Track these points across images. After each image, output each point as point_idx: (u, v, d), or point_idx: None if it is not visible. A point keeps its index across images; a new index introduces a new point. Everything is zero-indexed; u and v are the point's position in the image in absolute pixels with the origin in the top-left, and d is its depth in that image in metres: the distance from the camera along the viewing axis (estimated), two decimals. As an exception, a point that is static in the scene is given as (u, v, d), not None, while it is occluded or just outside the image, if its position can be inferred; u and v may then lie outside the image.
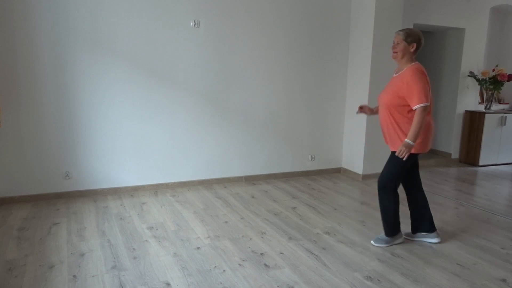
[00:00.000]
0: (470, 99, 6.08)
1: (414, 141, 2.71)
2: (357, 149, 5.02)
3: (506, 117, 5.91)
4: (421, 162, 5.84)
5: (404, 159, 2.74)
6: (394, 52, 2.88)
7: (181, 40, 4.20)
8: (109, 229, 3.26)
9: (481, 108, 6.10)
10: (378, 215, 3.73)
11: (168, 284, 2.45)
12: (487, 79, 5.82)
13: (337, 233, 3.28)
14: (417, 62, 2.89)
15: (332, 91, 5.09)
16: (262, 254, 2.88)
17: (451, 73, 6.05)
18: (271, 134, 4.83)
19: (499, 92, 6.19)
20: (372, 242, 3.09)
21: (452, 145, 6.10)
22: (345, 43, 5.05)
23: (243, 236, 3.19)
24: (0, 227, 3.26)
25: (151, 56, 4.11)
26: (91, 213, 3.61)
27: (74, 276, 2.52)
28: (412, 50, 2.84)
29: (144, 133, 4.22)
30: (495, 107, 6.23)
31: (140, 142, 4.22)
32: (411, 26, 5.37)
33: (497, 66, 5.98)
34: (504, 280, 2.58)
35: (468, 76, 5.93)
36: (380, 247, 3.04)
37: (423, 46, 2.84)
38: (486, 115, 5.77)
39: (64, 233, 3.17)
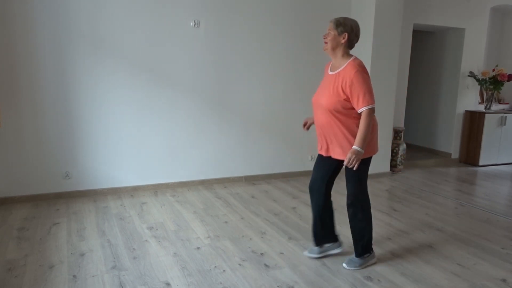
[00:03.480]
0: (470, 99, 6.08)
1: (363, 147, 2.38)
2: (357, 149, 5.01)
3: (506, 117, 5.91)
4: (421, 162, 5.84)
5: (354, 168, 2.41)
6: (325, 43, 2.53)
7: (181, 40, 4.20)
8: (109, 229, 3.26)
9: (481, 108, 6.10)
10: (378, 215, 3.74)
11: (168, 284, 2.45)
12: (487, 79, 5.82)
13: (337, 233, 3.28)
14: (355, 57, 2.53)
15: (332, 91, 5.08)
16: (262, 254, 2.88)
17: (451, 73, 6.05)
18: (271, 134, 4.83)
19: (499, 92, 6.19)
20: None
21: (452, 145, 6.09)
22: (345, 43, 5.04)
23: (243, 236, 3.19)
24: (0, 227, 3.26)
25: (151, 56, 4.11)
26: (91, 213, 3.61)
27: (74, 276, 2.52)
28: (343, 41, 2.47)
29: (144, 133, 4.22)
30: (495, 107, 6.23)
31: (140, 142, 4.22)
32: (411, 26, 5.37)
33: (497, 66, 5.99)
34: (504, 280, 2.58)
35: (468, 76, 5.93)
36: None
37: (358, 38, 2.54)
38: (486, 115, 5.78)
39: (64, 233, 3.17)
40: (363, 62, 2.53)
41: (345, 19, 2.50)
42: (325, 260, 2.80)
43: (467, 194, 4.51)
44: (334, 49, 2.51)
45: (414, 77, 6.58)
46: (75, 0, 3.75)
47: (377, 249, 3.00)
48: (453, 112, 6.05)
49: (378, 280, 2.55)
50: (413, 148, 6.60)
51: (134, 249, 2.91)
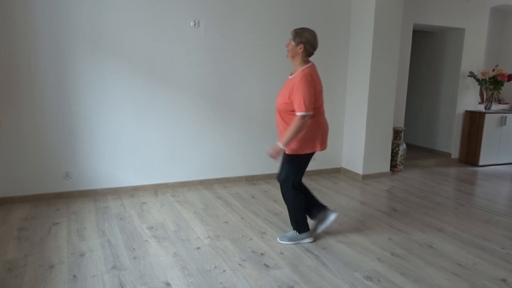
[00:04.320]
0: (470, 99, 6.08)
1: (284, 144, 2.73)
2: (357, 149, 5.02)
3: (506, 117, 5.91)
4: (421, 162, 5.84)
5: (274, 160, 2.84)
6: (288, 51, 2.84)
7: (181, 40, 4.20)
8: (109, 229, 3.26)
9: (481, 108, 6.10)
10: (378, 215, 3.74)
11: (168, 284, 2.45)
12: (487, 79, 5.82)
13: (337, 233, 3.28)
14: (310, 64, 2.81)
15: (332, 91, 5.09)
16: (262, 254, 2.88)
17: (451, 73, 6.05)
18: (271, 134, 4.82)
19: (499, 92, 6.19)
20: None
21: (452, 145, 6.09)
22: (345, 43, 5.05)
23: (243, 236, 3.19)
24: (0, 227, 3.26)
25: (151, 56, 4.11)
26: (91, 213, 3.61)
27: (74, 276, 2.52)
28: (300, 51, 2.76)
29: (144, 133, 4.22)
30: (495, 107, 6.23)
31: (140, 142, 4.22)
32: (411, 26, 5.37)
33: (497, 66, 5.99)
34: (504, 280, 2.58)
35: (468, 76, 5.93)
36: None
37: (315, 48, 2.81)
38: (486, 115, 5.78)
39: (64, 233, 3.17)
40: (312, 70, 2.79)
41: (302, 30, 2.78)
42: (325, 260, 2.80)
43: (467, 194, 4.51)
44: (293, 57, 2.83)
45: (414, 77, 6.58)
46: (75, 0, 3.75)
47: (377, 249, 3.00)
48: (453, 112, 6.05)
49: (378, 280, 2.55)
50: (413, 148, 6.60)
51: (134, 249, 2.91)
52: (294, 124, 2.69)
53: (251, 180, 4.80)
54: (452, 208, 4.01)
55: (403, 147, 5.33)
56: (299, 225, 3.06)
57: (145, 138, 4.23)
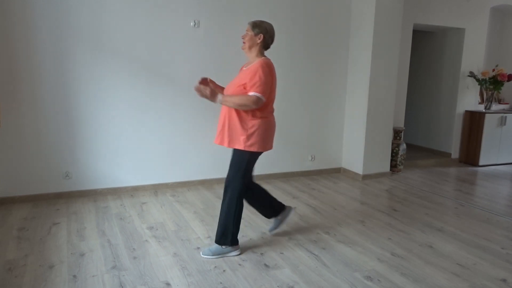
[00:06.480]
0: (470, 99, 6.08)
1: (222, 101, 2.65)
2: (357, 149, 5.02)
3: (506, 117, 5.91)
4: (421, 162, 5.84)
5: (199, 95, 2.65)
6: (243, 42, 2.79)
7: (181, 40, 4.20)
8: (109, 229, 3.26)
9: (481, 108, 6.10)
10: (378, 215, 3.74)
11: (168, 284, 2.45)
12: (487, 79, 5.82)
13: (337, 233, 3.28)
14: (267, 57, 2.77)
15: (332, 91, 5.09)
16: (262, 254, 2.88)
17: (451, 73, 6.05)
18: (271, 134, 4.82)
19: (499, 92, 6.19)
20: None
21: (452, 145, 6.10)
22: (345, 43, 5.05)
23: (243, 236, 3.18)
24: (0, 227, 3.26)
25: (151, 56, 4.11)
26: (91, 213, 3.61)
27: (74, 276, 2.52)
28: (259, 41, 2.73)
29: (144, 132, 4.21)
30: (495, 107, 6.23)
31: (140, 142, 4.22)
32: (411, 26, 5.38)
33: (497, 66, 5.98)
34: (504, 280, 2.58)
35: (468, 76, 5.93)
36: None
37: (273, 40, 2.81)
38: (486, 115, 5.78)
39: (64, 233, 3.17)
40: (271, 62, 2.74)
41: (261, 22, 2.77)
42: (325, 260, 2.80)
43: (467, 194, 4.51)
44: (250, 48, 2.77)
45: (414, 77, 6.58)
46: (75, 1, 3.75)
47: (377, 249, 3.00)
48: (453, 112, 6.05)
49: (378, 280, 2.55)
50: (413, 148, 6.60)
51: (134, 249, 2.91)
52: (246, 97, 2.56)
53: (251, 180, 4.80)
54: (452, 208, 4.01)
55: (403, 147, 5.33)
56: (230, 239, 2.80)
57: (145, 138, 4.23)
